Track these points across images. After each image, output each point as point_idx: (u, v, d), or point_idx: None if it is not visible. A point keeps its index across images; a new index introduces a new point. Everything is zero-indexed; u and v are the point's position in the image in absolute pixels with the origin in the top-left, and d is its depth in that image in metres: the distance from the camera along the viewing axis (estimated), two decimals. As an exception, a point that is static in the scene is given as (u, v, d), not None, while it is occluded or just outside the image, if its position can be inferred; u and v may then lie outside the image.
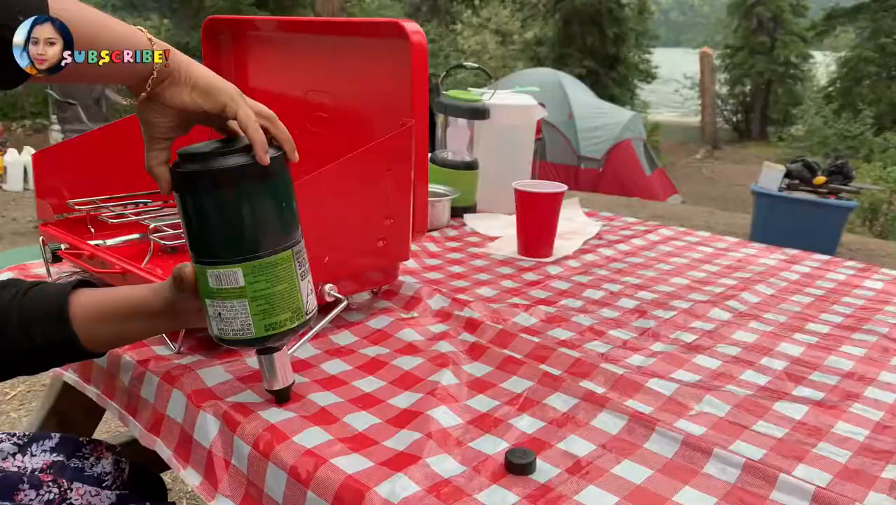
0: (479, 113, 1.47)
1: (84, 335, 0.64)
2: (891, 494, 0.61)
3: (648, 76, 12.49)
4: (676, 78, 13.79)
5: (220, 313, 0.64)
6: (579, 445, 0.67)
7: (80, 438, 0.83)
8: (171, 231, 0.99)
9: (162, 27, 11.17)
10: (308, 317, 0.69)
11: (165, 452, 0.73)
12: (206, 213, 0.62)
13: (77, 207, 1.05)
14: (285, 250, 0.65)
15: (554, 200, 1.24)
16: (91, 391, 0.88)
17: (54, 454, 0.80)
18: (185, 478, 0.70)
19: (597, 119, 7.89)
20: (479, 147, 1.54)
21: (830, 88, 11.57)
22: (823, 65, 12.84)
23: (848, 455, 0.66)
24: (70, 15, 0.53)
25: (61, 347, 0.64)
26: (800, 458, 0.66)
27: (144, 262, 0.95)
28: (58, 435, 0.82)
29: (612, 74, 11.23)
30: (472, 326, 0.93)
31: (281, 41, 1.17)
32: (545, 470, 0.63)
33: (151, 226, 0.98)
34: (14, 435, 0.81)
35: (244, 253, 0.63)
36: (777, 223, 3.75)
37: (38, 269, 1.09)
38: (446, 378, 0.79)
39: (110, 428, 1.94)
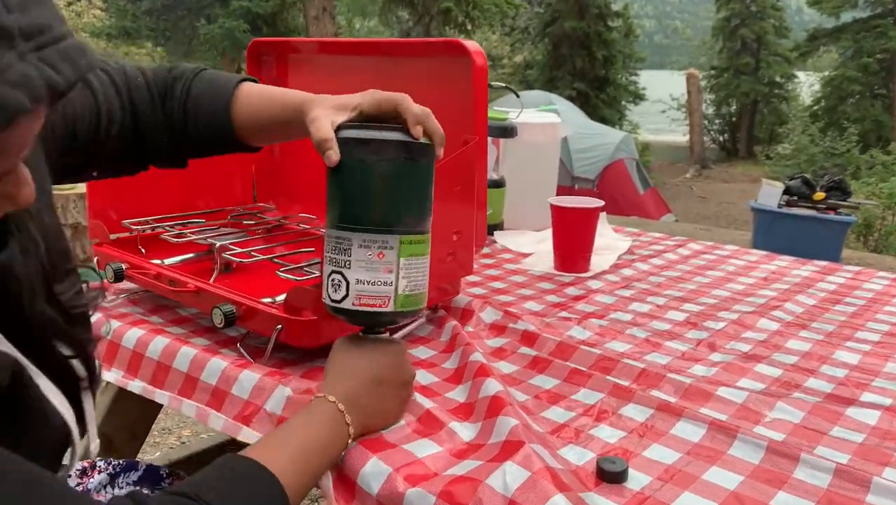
0: (507, 131, 1.48)
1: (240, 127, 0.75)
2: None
3: (637, 97, 12.65)
4: (663, 99, 13.96)
5: (361, 280, 0.66)
6: (665, 453, 0.68)
7: (161, 470, 0.82)
8: (238, 249, 0.99)
9: (156, 55, 11.21)
10: (423, 307, 0.71)
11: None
12: (388, 181, 0.64)
13: (133, 228, 1.05)
14: (428, 234, 0.69)
15: (591, 216, 1.25)
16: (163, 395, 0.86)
17: (139, 485, 0.79)
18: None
19: (589, 140, 7.96)
20: (505, 165, 1.55)
21: (816, 107, 11.78)
22: (807, 84, 13.09)
23: (930, 458, 0.67)
24: None
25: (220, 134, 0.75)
26: (885, 462, 0.66)
27: (212, 278, 0.95)
28: (144, 465, 0.82)
29: (602, 96, 11.37)
30: (528, 339, 0.94)
31: (324, 63, 1.19)
32: (637, 478, 0.63)
33: (218, 245, 0.99)
34: (110, 463, 0.80)
35: (407, 225, 0.66)
36: (777, 239, 3.79)
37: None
38: (517, 395, 0.79)
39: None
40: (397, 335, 0.89)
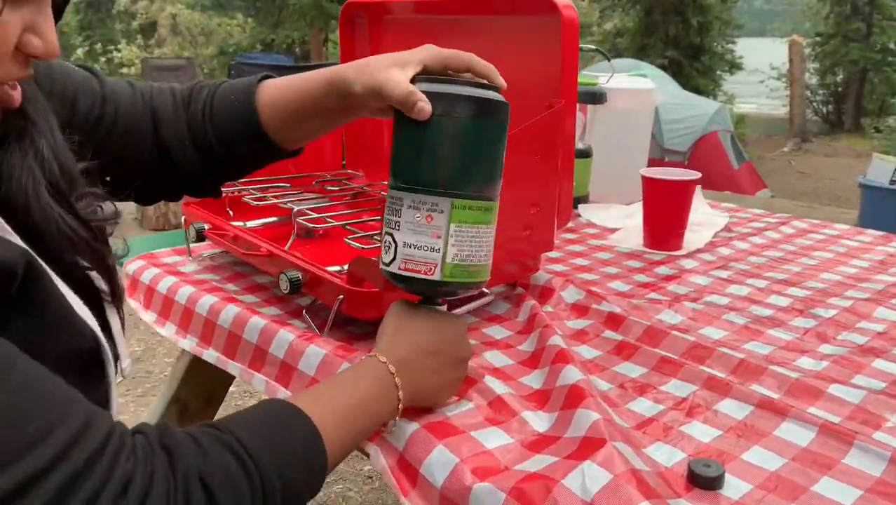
0: (596, 97, 1.39)
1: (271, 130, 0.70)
2: None
3: (733, 66, 11.98)
4: (762, 68, 13.20)
5: (408, 243, 0.61)
6: (767, 458, 0.60)
7: None
8: (315, 214, 0.98)
9: (247, 25, 11.48)
10: (485, 282, 0.66)
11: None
12: (443, 139, 0.60)
13: (221, 189, 1.06)
14: (492, 202, 0.64)
15: (686, 189, 1.16)
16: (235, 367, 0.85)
17: None
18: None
19: (682, 111, 7.63)
20: (593, 133, 1.46)
21: (935, 76, 10.84)
22: (925, 51, 12.04)
23: None
24: None
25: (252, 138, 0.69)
26: None
27: (288, 244, 0.94)
28: None
29: (696, 65, 10.81)
30: (614, 321, 0.87)
31: (416, 23, 1.15)
32: (735, 485, 0.56)
33: (295, 209, 0.98)
34: None
35: (461, 189, 0.61)
36: (888, 218, 3.50)
37: (166, 258, 1.09)
38: (599, 383, 0.73)
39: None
40: (461, 310, 0.84)
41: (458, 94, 0.60)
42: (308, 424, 0.53)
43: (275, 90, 0.70)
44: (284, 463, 0.50)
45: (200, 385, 1.22)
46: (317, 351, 0.76)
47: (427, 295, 0.66)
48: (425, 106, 0.59)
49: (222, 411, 1.79)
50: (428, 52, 0.64)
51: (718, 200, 1.62)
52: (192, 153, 0.71)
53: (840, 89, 12.82)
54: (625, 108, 1.45)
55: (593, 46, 1.42)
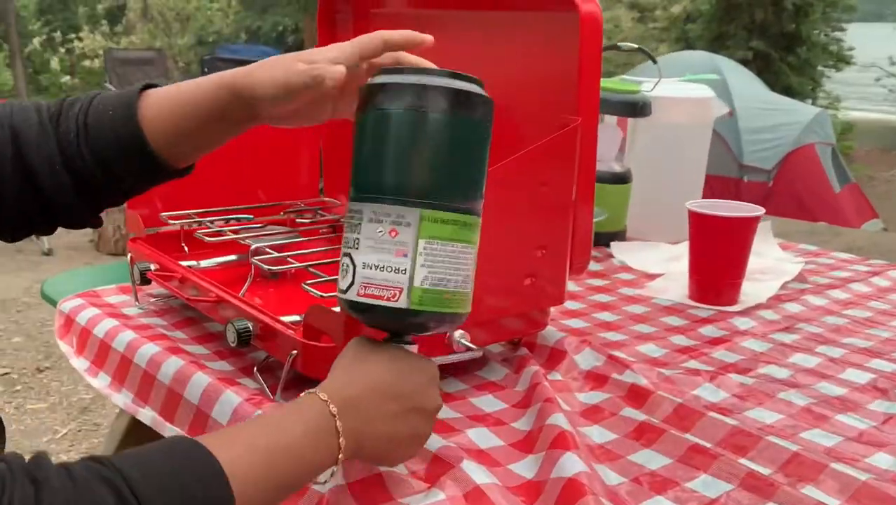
0: (638, 108, 1.42)
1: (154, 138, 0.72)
2: None
3: (840, 60, 12.03)
4: (878, 62, 13.22)
5: (368, 263, 0.64)
6: (812, 583, 0.61)
7: None
8: (275, 254, 1.02)
9: (230, 10, 11.74)
10: (465, 316, 0.68)
11: None
12: (406, 136, 0.64)
13: (171, 221, 1.12)
14: (471, 216, 0.66)
15: (745, 228, 1.17)
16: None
17: None
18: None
19: (768, 117, 7.64)
20: (633, 153, 1.49)
21: None
22: None
23: None
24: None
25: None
26: None
27: (243, 290, 0.98)
28: None
29: (790, 59, 10.85)
30: (637, 396, 0.88)
31: (408, 19, 1.18)
32: None
33: (253, 247, 1.02)
34: None
35: (432, 197, 0.64)
36: None
37: (110, 296, 1.14)
38: (608, 475, 0.74)
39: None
40: (436, 360, 0.86)
41: (427, 85, 0.64)
42: (212, 466, 0.55)
43: (161, 99, 0.74)
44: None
45: (148, 439, 1.27)
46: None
47: (392, 329, 0.68)
48: (331, 69, 0.68)
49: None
50: (340, 51, 0.71)
51: (808, 235, 1.64)
52: (65, 178, 0.74)
53: (979, 93, 12.79)
54: (675, 122, 1.47)
55: (634, 45, 1.45)
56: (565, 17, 0.90)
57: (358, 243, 0.65)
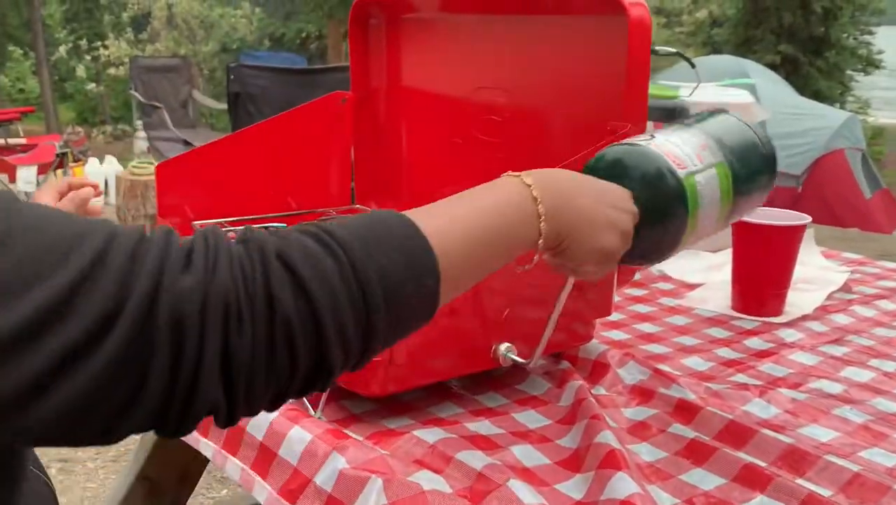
0: (676, 114, 1.39)
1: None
2: None
3: (869, 64, 11.90)
4: (908, 67, 13.08)
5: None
6: None
7: None
8: None
9: (254, 17, 11.83)
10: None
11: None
12: None
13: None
14: None
15: (791, 236, 1.14)
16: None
17: None
18: None
19: (797, 122, 7.57)
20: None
21: None
22: None
23: None
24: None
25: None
26: None
27: None
28: None
29: (818, 62, 10.75)
30: (685, 412, 0.86)
31: (442, 25, 1.18)
32: None
33: None
34: None
35: None
36: None
37: None
38: (661, 497, 0.72)
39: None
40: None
41: None
42: (407, 222, 0.53)
43: None
44: (377, 249, 0.50)
45: (172, 460, 1.27)
46: (301, 436, 0.77)
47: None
48: None
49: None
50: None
51: (840, 241, 1.60)
52: None
53: None
54: (713, 127, 1.44)
55: (672, 49, 1.42)
56: (613, 21, 0.88)
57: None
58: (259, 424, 0.81)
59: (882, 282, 1.35)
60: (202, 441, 0.87)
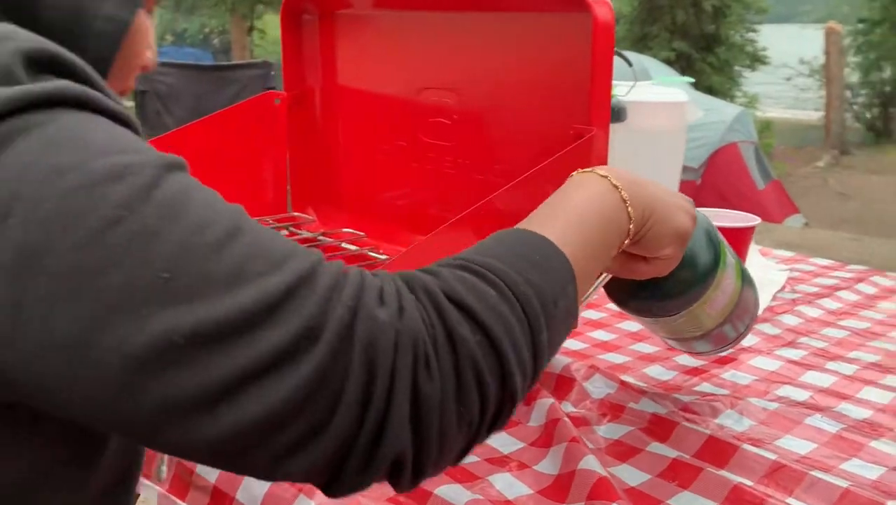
0: (614, 113, 1.36)
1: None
2: None
3: (755, 60, 12.33)
4: (790, 63, 13.60)
5: None
6: None
7: None
8: None
9: (155, 11, 11.46)
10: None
11: None
12: None
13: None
14: None
15: (740, 238, 1.12)
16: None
17: None
18: None
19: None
20: (610, 161, 1.43)
21: None
22: None
23: None
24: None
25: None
26: None
27: None
28: None
29: (710, 59, 11.07)
30: (660, 429, 0.82)
31: (382, 21, 1.11)
32: None
33: None
34: None
35: None
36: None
37: None
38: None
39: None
40: None
41: None
42: (539, 236, 0.54)
43: None
44: (524, 268, 0.50)
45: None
46: None
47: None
48: None
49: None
50: None
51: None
52: None
53: (887, 89, 13.27)
54: (650, 128, 1.42)
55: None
56: (575, 20, 0.83)
57: None
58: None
59: (819, 279, 1.35)
60: (144, 483, 0.78)
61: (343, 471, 0.42)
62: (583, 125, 0.84)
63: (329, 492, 0.44)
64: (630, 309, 0.79)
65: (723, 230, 1.10)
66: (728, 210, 1.17)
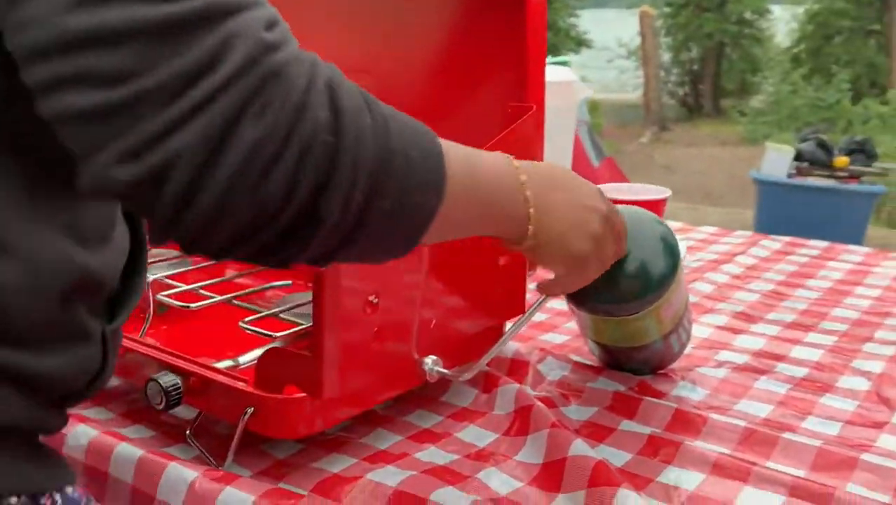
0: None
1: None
2: None
3: (579, 43, 12.79)
4: (610, 45, 14.17)
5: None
6: None
7: None
8: (183, 286, 0.87)
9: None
10: None
11: None
12: None
13: None
14: None
15: (656, 210, 1.12)
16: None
17: None
18: None
19: (529, 99, 7.96)
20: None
21: (796, 49, 12.18)
22: (783, 21, 13.51)
23: None
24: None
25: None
26: None
27: (142, 330, 0.82)
28: None
29: (539, 43, 11.43)
30: (625, 406, 0.81)
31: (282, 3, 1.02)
32: None
33: (151, 279, 0.85)
34: None
35: None
36: (787, 216, 3.83)
37: None
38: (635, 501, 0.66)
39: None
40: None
41: None
42: (434, 137, 0.52)
43: None
44: (409, 138, 0.49)
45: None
46: (239, 498, 0.63)
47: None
48: None
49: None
50: None
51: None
52: None
53: (695, 67, 14.05)
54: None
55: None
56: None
57: None
58: (174, 486, 0.66)
59: (714, 247, 1.39)
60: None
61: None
62: (519, 102, 0.81)
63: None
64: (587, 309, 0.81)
65: (639, 203, 1.11)
66: (637, 184, 1.18)
